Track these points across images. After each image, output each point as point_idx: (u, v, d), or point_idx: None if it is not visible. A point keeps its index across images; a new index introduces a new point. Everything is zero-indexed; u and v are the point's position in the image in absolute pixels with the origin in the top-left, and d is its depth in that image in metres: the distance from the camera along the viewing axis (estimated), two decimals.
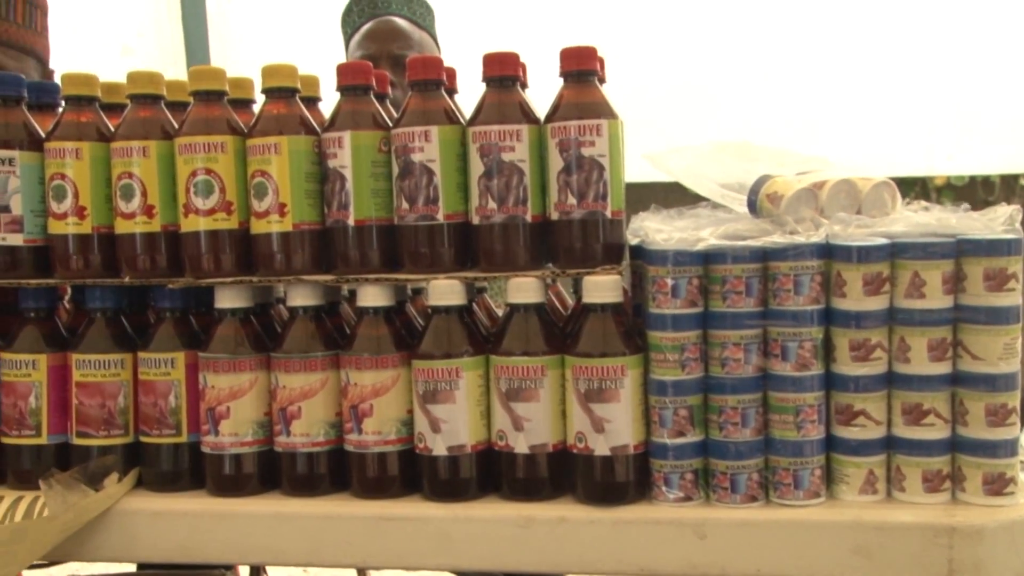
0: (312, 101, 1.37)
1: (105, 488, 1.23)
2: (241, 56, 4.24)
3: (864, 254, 1.10)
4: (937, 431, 1.11)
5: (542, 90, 1.27)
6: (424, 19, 2.41)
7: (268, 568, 3.25)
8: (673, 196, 1.44)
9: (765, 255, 1.12)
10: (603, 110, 1.18)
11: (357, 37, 2.35)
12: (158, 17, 4.44)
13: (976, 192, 4.36)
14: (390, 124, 1.25)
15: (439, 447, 1.18)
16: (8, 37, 1.81)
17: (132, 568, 1.90)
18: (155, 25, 4.46)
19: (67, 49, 3.77)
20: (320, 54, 3.69)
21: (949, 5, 3.36)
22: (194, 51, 4.37)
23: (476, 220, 1.21)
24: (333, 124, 1.24)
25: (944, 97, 3.41)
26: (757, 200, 1.30)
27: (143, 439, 1.28)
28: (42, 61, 1.89)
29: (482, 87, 1.22)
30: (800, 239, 1.11)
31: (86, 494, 1.21)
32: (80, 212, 1.28)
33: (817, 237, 1.11)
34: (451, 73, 1.38)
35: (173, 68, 4.28)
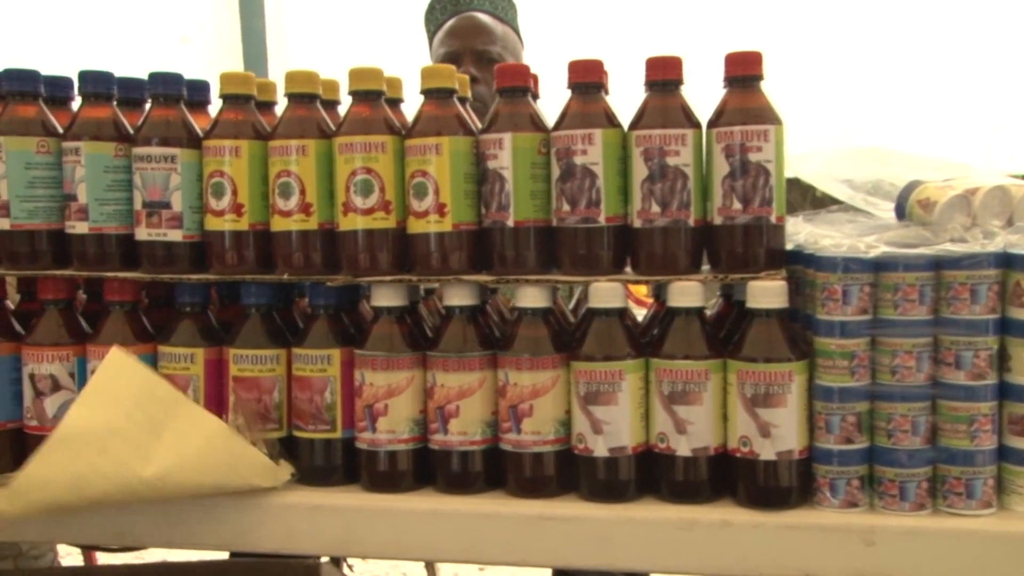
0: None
1: (281, 466, 1.25)
2: (297, 47, 4.27)
3: None
4: None
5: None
6: (506, 13, 2.42)
7: (356, 562, 3.29)
8: None
9: (939, 263, 1.11)
10: (769, 116, 1.18)
11: (440, 34, 2.36)
12: (217, 7, 4.47)
13: None
14: (547, 126, 1.26)
15: (600, 448, 1.19)
16: None
17: (224, 556, 1.92)
18: (214, 15, 4.50)
19: (126, 38, 3.83)
20: (376, 45, 3.73)
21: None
22: (251, 41, 4.40)
23: (638, 223, 1.21)
24: (492, 125, 1.25)
25: (1005, 95, 3.38)
26: (907, 205, 1.30)
27: (297, 434, 1.30)
28: None
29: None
30: (977, 248, 1.10)
31: (261, 447, 1.23)
32: (238, 209, 1.30)
33: (995, 247, 1.10)
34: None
35: (230, 58, 4.32)
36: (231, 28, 4.40)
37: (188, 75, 1.37)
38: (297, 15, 4.33)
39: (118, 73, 1.36)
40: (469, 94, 1.48)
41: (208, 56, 4.34)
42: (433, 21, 2.44)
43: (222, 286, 1.43)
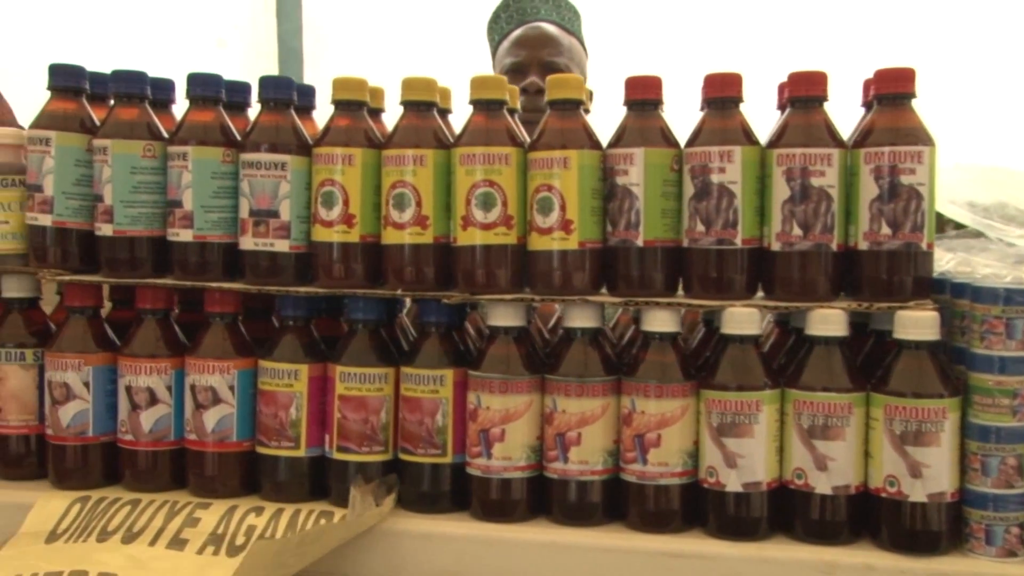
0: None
1: (383, 506, 1.19)
2: (333, 51, 4.24)
3: None
4: None
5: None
6: (572, 24, 2.37)
7: None
8: None
9: None
10: (922, 136, 1.12)
11: (506, 44, 2.31)
12: (254, 10, 4.46)
13: None
14: (678, 141, 1.20)
15: (733, 483, 1.13)
16: None
17: None
18: (251, 18, 4.48)
19: (163, 41, 3.80)
20: (412, 51, 3.68)
21: None
22: (287, 45, 4.38)
23: (776, 246, 1.15)
24: (621, 140, 1.20)
25: None
26: None
27: (404, 457, 1.24)
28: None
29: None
30: None
31: (371, 506, 1.17)
32: (349, 220, 1.24)
33: None
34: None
35: (266, 62, 4.30)
36: (267, 32, 4.38)
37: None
38: (334, 19, 4.31)
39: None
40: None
41: (243, 60, 4.32)
42: (498, 31, 2.39)
43: (328, 301, 1.37)
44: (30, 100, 1.34)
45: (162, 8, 3.94)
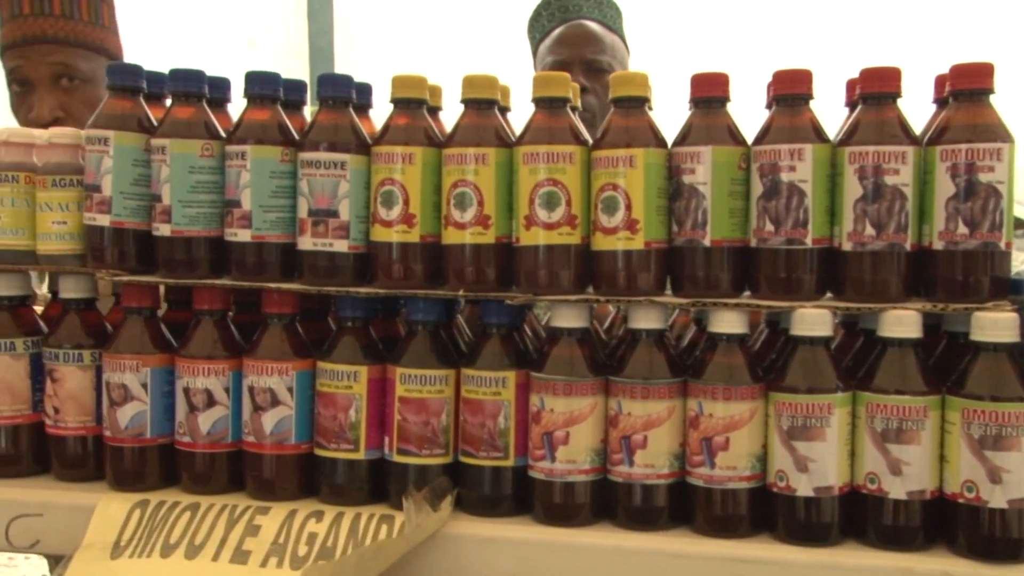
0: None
1: (441, 510, 1.17)
2: (365, 51, 4.23)
3: None
4: None
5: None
6: (614, 21, 2.35)
7: None
8: None
9: None
10: (1001, 133, 1.09)
11: (548, 42, 2.29)
12: (286, 9, 4.46)
13: None
14: (744, 139, 1.18)
15: (804, 487, 1.11)
16: (79, 36, 1.80)
17: None
18: (282, 18, 4.48)
19: (194, 41, 3.81)
20: (443, 50, 3.66)
21: None
22: (318, 45, 4.37)
23: (848, 246, 1.13)
24: (687, 138, 1.18)
25: None
26: None
27: (465, 460, 1.22)
28: (116, 58, 1.88)
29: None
30: None
31: (428, 514, 1.16)
32: (409, 220, 1.22)
33: None
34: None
35: (297, 62, 4.29)
36: (298, 31, 4.38)
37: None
38: (365, 19, 4.30)
39: None
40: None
41: (274, 60, 4.32)
42: (539, 29, 2.37)
43: (386, 302, 1.35)
44: None
45: (193, 8, 3.95)
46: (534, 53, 2.36)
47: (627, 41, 2.34)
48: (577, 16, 2.28)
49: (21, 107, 1.85)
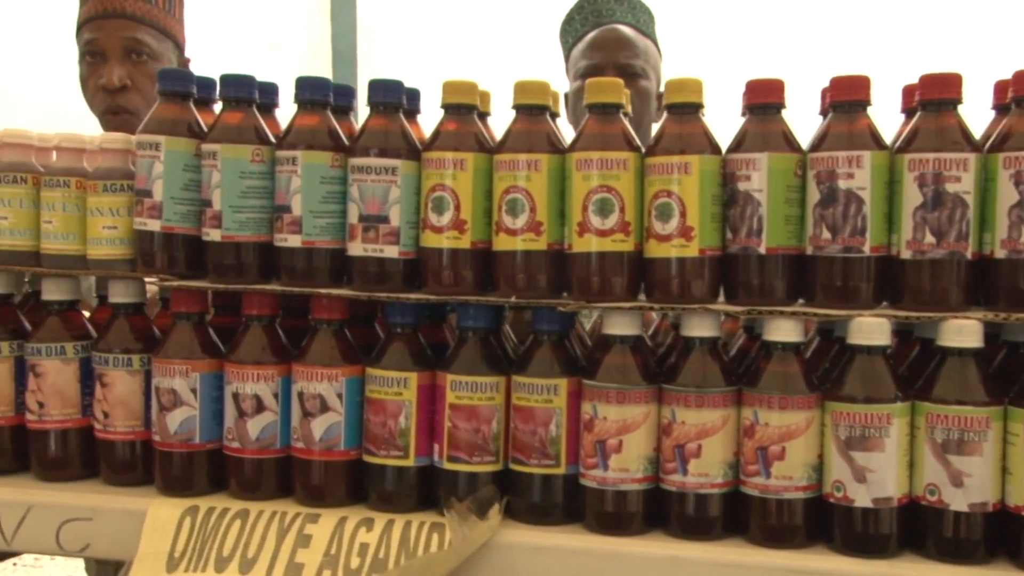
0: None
1: (489, 519, 1.17)
2: (387, 54, 4.24)
3: None
4: None
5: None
6: (647, 26, 2.33)
7: None
8: None
9: None
10: None
11: (581, 46, 2.28)
12: (309, 12, 4.47)
13: None
14: (801, 146, 1.16)
15: (863, 498, 1.09)
16: (152, 18, 1.94)
17: None
18: (306, 21, 4.49)
19: (217, 43, 3.83)
20: (465, 55, 3.65)
21: None
22: (341, 48, 4.38)
23: (906, 255, 1.11)
24: (742, 144, 1.17)
25: None
26: None
27: (515, 467, 1.21)
28: (179, 47, 2.04)
29: None
30: None
31: (476, 524, 1.15)
32: (460, 225, 1.22)
33: None
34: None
35: (320, 64, 4.30)
36: (321, 34, 4.39)
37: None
38: (388, 22, 4.30)
39: None
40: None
41: (297, 63, 4.33)
42: (572, 33, 2.36)
43: (433, 307, 1.35)
44: None
45: (216, 12, 3.97)
46: (566, 57, 2.35)
47: (659, 45, 2.33)
48: (610, 20, 2.26)
49: (91, 77, 1.96)
